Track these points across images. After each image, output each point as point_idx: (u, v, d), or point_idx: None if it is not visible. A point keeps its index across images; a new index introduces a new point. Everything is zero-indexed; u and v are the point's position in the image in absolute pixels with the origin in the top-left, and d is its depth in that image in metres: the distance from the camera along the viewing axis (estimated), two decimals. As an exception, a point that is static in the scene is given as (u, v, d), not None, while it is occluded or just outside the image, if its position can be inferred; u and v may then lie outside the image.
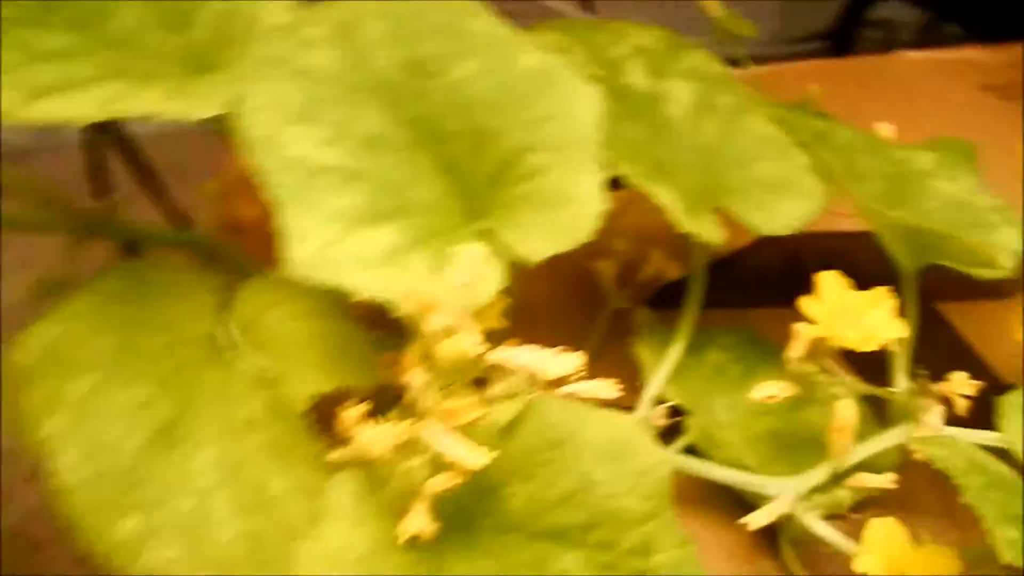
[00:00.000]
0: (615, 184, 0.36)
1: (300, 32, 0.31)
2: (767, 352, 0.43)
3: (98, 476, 0.33)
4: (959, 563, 0.29)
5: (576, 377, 0.32)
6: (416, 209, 0.31)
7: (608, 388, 0.32)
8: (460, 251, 0.28)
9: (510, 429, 0.31)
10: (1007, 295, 0.45)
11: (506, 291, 0.31)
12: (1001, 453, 0.33)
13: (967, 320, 0.49)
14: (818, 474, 0.34)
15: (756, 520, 0.33)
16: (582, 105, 0.33)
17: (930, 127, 0.52)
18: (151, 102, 0.28)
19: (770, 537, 0.38)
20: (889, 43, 1.45)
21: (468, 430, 0.28)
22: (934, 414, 0.35)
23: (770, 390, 0.33)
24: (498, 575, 0.31)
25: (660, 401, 0.39)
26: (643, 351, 0.41)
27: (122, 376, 0.34)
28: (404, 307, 0.27)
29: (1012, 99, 0.68)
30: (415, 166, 0.31)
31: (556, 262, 0.51)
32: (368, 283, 0.28)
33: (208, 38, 0.33)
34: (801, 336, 0.33)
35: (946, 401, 0.35)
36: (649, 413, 0.37)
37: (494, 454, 0.27)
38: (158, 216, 0.73)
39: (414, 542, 0.30)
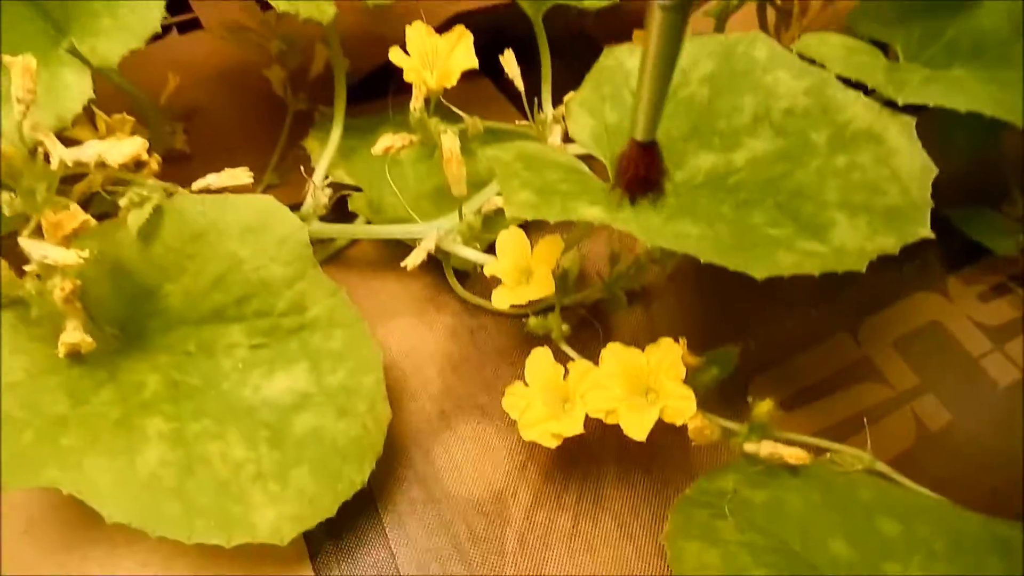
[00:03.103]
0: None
1: None
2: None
3: None
4: (560, 242, 0.34)
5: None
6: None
7: (241, 175, 0.34)
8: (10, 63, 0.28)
9: (149, 233, 0.33)
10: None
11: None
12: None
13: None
14: (456, 214, 0.38)
15: (411, 260, 0.37)
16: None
17: None
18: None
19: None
20: None
21: (83, 239, 0.30)
22: (556, 134, 0.39)
23: (387, 142, 0.36)
24: (173, 363, 0.34)
25: (332, 184, 0.41)
26: (312, 143, 0.43)
27: None
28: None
29: None
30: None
31: (236, 81, 0.52)
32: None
33: None
34: (414, 90, 0.36)
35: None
36: (318, 194, 0.39)
37: (85, 253, 0.29)
38: None
39: (78, 358, 0.33)
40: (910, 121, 0.30)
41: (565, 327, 0.36)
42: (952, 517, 0.30)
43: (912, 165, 0.29)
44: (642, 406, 0.32)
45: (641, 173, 0.30)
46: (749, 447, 0.33)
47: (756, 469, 0.33)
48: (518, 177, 0.29)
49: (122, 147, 0.28)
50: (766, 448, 0.33)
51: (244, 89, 0.51)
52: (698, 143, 0.32)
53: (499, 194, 0.39)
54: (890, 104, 0.31)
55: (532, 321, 0.36)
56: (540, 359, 0.34)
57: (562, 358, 0.35)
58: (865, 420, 0.36)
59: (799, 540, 0.30)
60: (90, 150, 0.28)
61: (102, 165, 0.29)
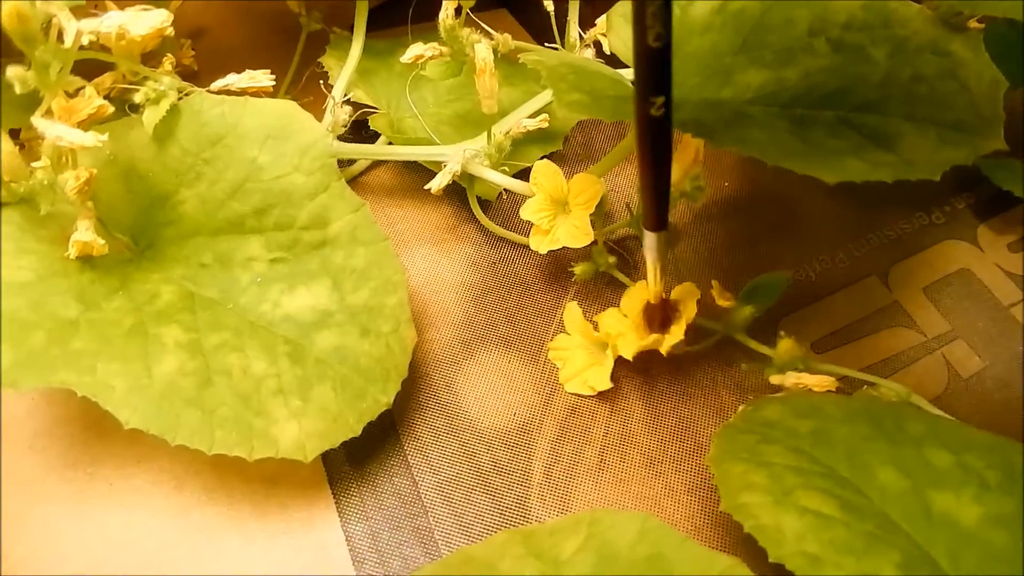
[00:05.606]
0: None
1: None
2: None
3: None
4: (600, 183, 0.33)
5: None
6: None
7: (262, 77, 0.33)
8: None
9: (164, 134, 0.31)
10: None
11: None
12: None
13: None
14: (480, 138, 0.36)
15: (436, 183, 0.35)
16: None
17: None
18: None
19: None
20: None
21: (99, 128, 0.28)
22: (588, 52, 0.38)
23: (417, 50, 0.34)
24: (187, 275, 0.32)
25: (351, 103, 0.39)
26: (329, 60, 0.41)
27: None
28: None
29: None
30: None
31: (244, 3, 0.49)
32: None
33: None
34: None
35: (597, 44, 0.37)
36: (337, 111, 0.37)
37: (105, 136, 0.27)
38: None
39: (90, 261, 0.31)
40: (977, 34, 0.29)
41: (612, 259, 0.35)
42: (1005, 450, 0.29)
43: (981, 79, 0.28)
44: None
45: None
46: (775, 378, 0.33)
47: (798, 401, 0.32)
48: (565, 80, 0.28)
49: (147, 18, 0.26)
50: (791, 378, 0.32)
51: (253, 11, 0.49)
52: (747, 58, 0.31)
53: (530, 116, 0.37)
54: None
55: (579, 269, 0.36)
56: (573, 314, 0.34)
57: (613, 287, 0.34)
58: (907, 354, 0.35)
59: (847, 467, 0.29)
60: (110, 21, 0.26)
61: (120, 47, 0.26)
